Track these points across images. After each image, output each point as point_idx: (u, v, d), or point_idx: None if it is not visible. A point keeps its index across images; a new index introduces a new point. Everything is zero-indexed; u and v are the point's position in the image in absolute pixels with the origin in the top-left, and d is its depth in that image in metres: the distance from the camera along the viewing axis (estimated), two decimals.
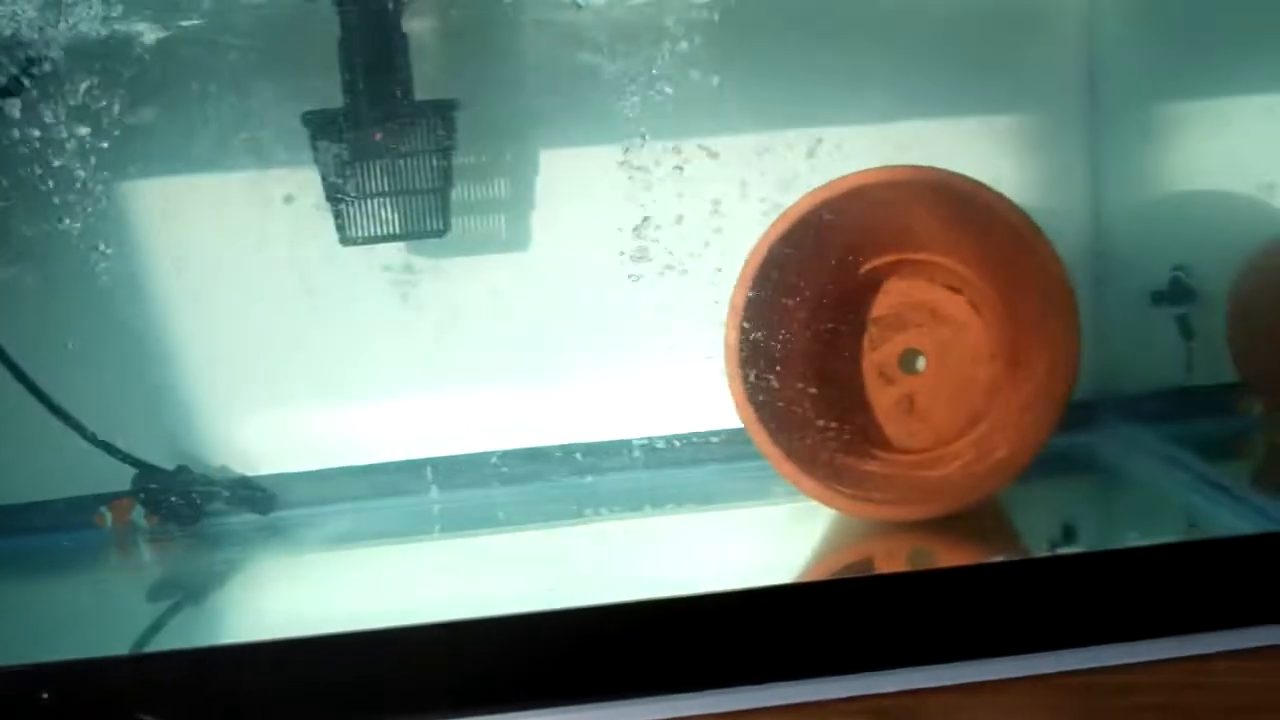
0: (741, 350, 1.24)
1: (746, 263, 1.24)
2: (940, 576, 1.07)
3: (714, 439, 1.38)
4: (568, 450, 1.38)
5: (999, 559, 1.11)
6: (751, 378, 1.24)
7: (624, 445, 1.38)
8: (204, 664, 1.01)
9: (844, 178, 1.23)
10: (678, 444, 1.39)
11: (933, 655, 1.04)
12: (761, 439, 1.24)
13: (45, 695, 0.96)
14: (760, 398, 1.24)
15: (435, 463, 1.38)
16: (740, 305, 1.24)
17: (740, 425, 1.25)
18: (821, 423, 1.29)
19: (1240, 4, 1.17)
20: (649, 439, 1.38)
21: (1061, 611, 1.05)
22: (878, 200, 1.23)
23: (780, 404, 1.26)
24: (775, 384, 1.25)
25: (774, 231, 1.24)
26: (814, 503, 1.23)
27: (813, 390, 1.30)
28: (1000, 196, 1.20)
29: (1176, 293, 1.28)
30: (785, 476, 1.23)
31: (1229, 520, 1.18)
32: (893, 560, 1.22)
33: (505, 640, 1.02)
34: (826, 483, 1.23)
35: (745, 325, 1.24)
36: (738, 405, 1.24)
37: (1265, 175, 1.15)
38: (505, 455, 1.38)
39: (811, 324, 1.30)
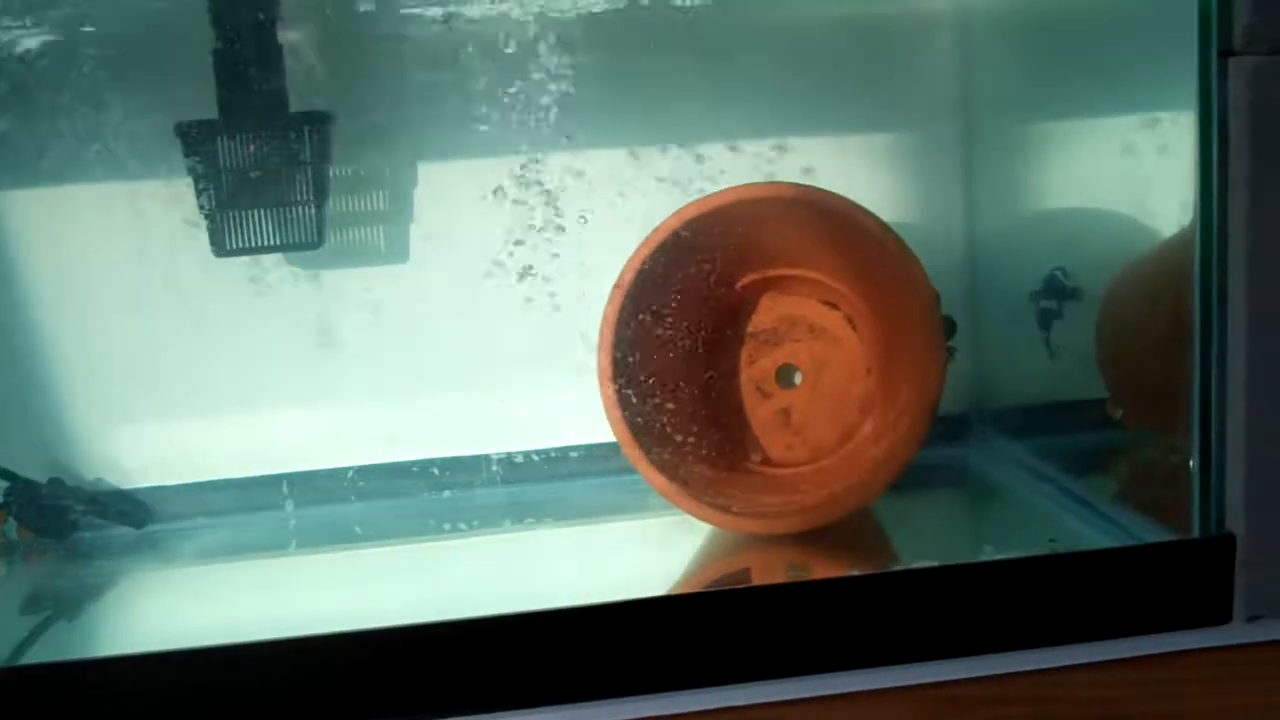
0: (614, 366, 1.23)
1: (617, 281, 1.24)
2: (813, 589, 1.07)
3: (588, 453, 1.38)
4: (427, 465, 1.38)
5: (871, 571, 1.11)
6: (625, 393, 1.24)
7: (486, 460, 1.38)
8: (78, 676, 1.00)
9: (706, 197, 1.23)
10: (554, 457, 1.38)
11: (804, 666, 1.04)
12: (635, 455, 1.23)
13: None
14: (633, 413, 1.24)
15: (299, 477, 1.37)
16: (613, 321, 1.24)
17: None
18: (697, 438, 1.29)
19: (1102, 32, 1.18)
20: (516, 453, 1.39)
21: (932, 623, 1.05)
22: (745, 217, 1.24)
23: (654, 420, 1.26)
24: (649, 399, 1.25)
25: (641, 251, 1.24)
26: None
27: (688, 406, 1.29)
28: (867, 214, 1.20)
29: (1052, 291, 1.28)
30: (660, 492, 1.23)
31: (1090, 534, 1.19)
32: (770, 573, 1.21)
33: (369, 654, 1.01)
34: (701, 498, 1.23)
35: (618, 342, 1.24)
36: (611, 421, 1.24)
37: (1131, 192, 1.17)
38: (363, 470, 1.38)
39: (687, 340, 1.30)
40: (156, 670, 1.01)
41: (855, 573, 1.08)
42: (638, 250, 1.23)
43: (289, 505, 1.36)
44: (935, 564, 1.07)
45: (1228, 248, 1.03)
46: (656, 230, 1.23)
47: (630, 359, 1.24)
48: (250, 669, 1.00)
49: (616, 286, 1.24)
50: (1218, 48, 1.02)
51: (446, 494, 1.38)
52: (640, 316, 1.24)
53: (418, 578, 1.26)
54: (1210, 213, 1.03)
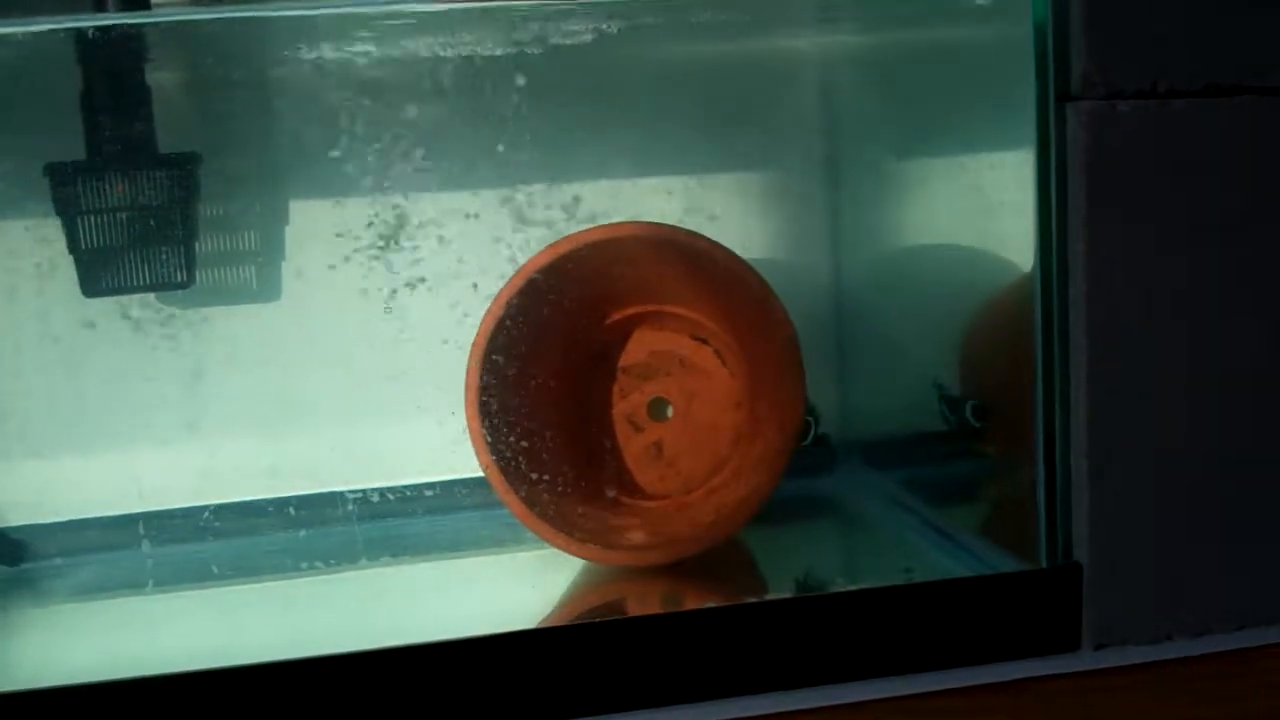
0: (481, 402, 1.22)
1: (483, 321, 1.22)
2: (676, 620, 1.06)
3: (454, 489, 1.36)
4: (284, 503, 1.36)
5: (741, 600, 1.10)
6: (491, 429, 1.22)
7: (343, 497, 1.36)
8: None
9: (564, 239, 1.23)
10: (416, 493, 1.36)
11: (670, 696, 1.04)
12: (502, 489, 1.22)
13: None
14: (501, 448, 1.22)
15: (161, 515, 1.34)
16: (479, 358, 1.22)
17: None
18: (568, 473, 1.27)
19: (949, 74, 1.19)
20: (377, 489, 1.36)
21: (791, 652, 1.05)
22: (608, 257, 1.23)
23: (522, 455, 1.24)
24: (517, 435, 1.24)
25: (502, 296, 1.22)
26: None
27: (559, 441, 1.28)
28: (727, 252, 1.20)
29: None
30: (528, 526, 1.22)
31: (948, 564, 1.19)
32: (643, 603, 1.20)
33: (229, 690, 0.99)
34: (571, 532, 1.22)
35: (484, 378, 1.22)
36: (479, 456, 1.22)
37: (983, 231, 1.17)
38: (268, 504, 1.35)
39: (555, 378, 1.28)
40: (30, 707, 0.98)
41: (719, 603, 1.07)
42: (498, 296, 1.22)
43: (146, 544, 1.33)
44: (793, 595, 1.07)
45: (1068, 286, 1.04)
46: (517, 274, 1.22)
47: (495, 399, 1.22)
48: (115, 706, 0.98)
49: (479, 334, 1.22)
50: (1055, 92, 1.03)
51: (303, 532, 1.35)
52: (503, 359, 1.23)
53: (280, 615, 1.24)
54: (1050, 252, 1.04)
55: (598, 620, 1.11)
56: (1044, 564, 1.08)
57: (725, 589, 1.22)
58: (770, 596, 1.13)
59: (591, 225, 1.24)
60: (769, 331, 1.21)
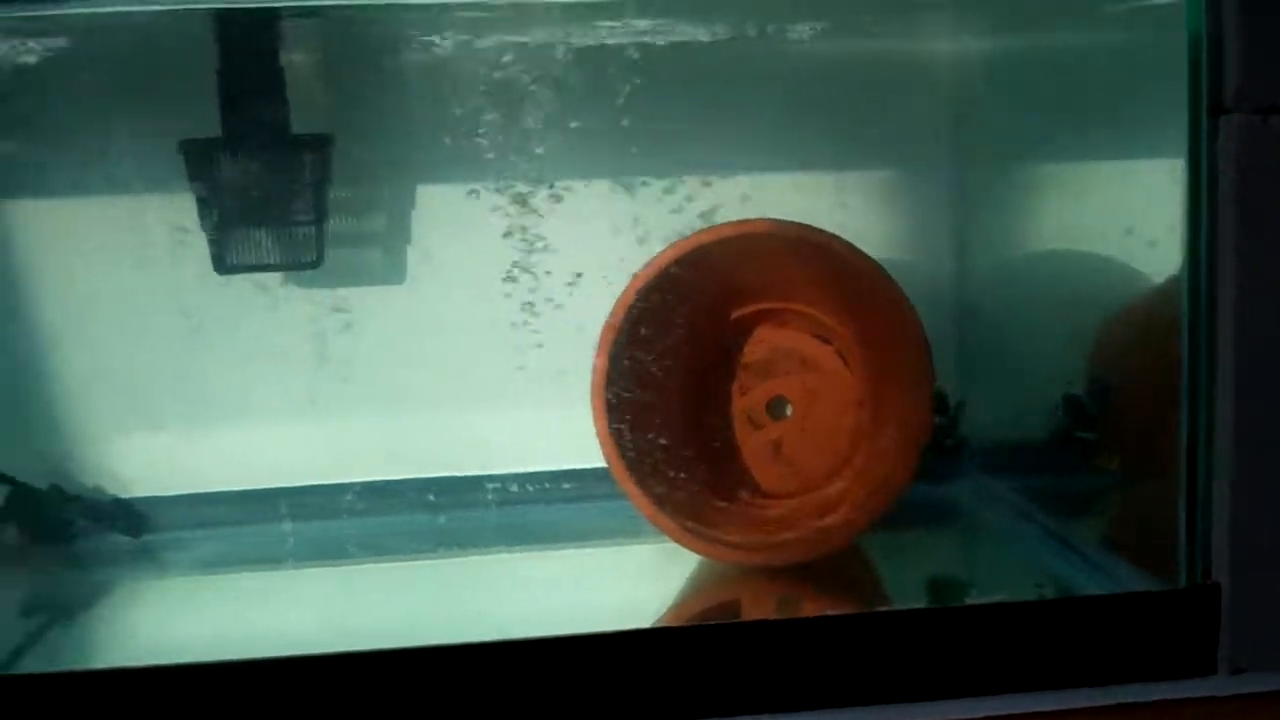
0: (607, 393, 1.18)
1: (612, 312, 1.18)
2: (800, 626, 1.01)
3: (582, 479, 1.31)
4: (422, 485, 1.32)
5: (859, 610, 1.05)
6: (616, 420, 1.18)
7: (483, 482, 1.32)
8: (83, 686, 0.95)
9: (697, 233, 1.18)
10: (546, 484, 1.32)
11: (788, 703, 0.98)
12: (625, 480, 1.17)
13: None
14: (626, 445, 1.18)
15: (292, 492, 1.30)
16: (606, 348, 1.18)
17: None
18: (688, 468, 1.23)
19: (1094, 79, 1.13)
20: (513, 475, 1.32)
21: (916, 665, 0.99)
22: (739, 253, 1.18)
23: (645, 447, 1.20)
24: (640, 427, 1.19)
25: (634, 286, 1.18)
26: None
27: (679, 436, 1.24)
28: (859, 252, 1.15)
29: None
30: (650, 521, 1.17)
31: (1072, 577, 1.13)
32: (759, 606, 1.16)
33: (353, 676, 0.95)
34: (688, 526, 1.17)
35: (611, 368, 1.18)
36: (602, 446, 1.18)
37: (1119, 238, 1.11)
38: (388, 486, 1.31)
39: (678, 372, 1.23)
40: (147, 684, 0.95)
41: (843, 611, 1.02)
42: (629, 285, 1.18)
43: (283, 520, 1.30)
44: (922, 606, 1.02)
45: (1216, 302, 0.98)
46: (648, 266, 1.18)
47: (622, 392, 1.18)
48: (236, 687, 0.95)
49: (608, 325, 1.18)
50: (1208, 105, 0.97)
51: (442, 518, 1.31)
52: (633, 346, 1.18)
53: (408, 598, 1.20)
54: (1199, 266, 0.98)
55: (714, 623, 1.07)
56: (1181, 583, 1.01)
57: (844, 595, 1.18)
58: (893, 606, 1.08)
59: (722, 221, 1.20)
60: (898, 335, 1.15)
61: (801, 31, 1.27)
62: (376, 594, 1.22)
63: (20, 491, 1.26)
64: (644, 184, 1.29)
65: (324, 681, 0.95)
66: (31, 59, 1.16)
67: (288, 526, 1.30)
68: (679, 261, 1.17)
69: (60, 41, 1.16)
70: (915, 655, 0.99)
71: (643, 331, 1.18)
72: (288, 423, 1.31)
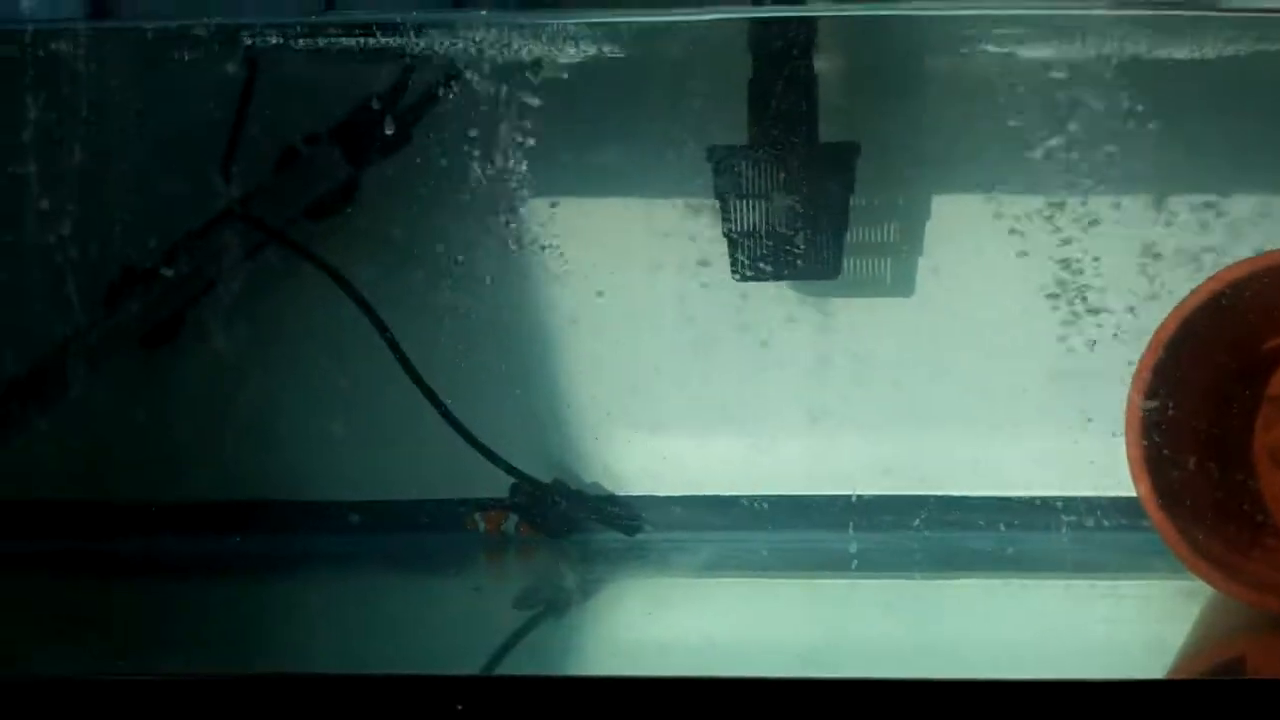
0: (1143, 425, 1.11)
1: (1150, 342, 1.12)
2: None
3: (1087, 508, 1.26)
4: (914, 503, 1.28)
5: None
6: (1149, 451, 1.12)
7: (975, 503, 1.28)
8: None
9: (1246, 260, 1.12)
10: (1058, 506, 1.27)
11: None
12: (1157, 514, 1.11)
13: (460, 708, 0.89)
14: (1159, 471, 1.12)
15: (791, 501, 1.29)
16: (1145, 378, 1.12)
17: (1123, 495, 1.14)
18: (1211, 501, 1.16)
19: None
20: (1021, 498, 1.27)
21: None
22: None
23: (1174, 479, 1.13)
24: (1169, 458, 1.13)
25: (1178, 313, 1.11)
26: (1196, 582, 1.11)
27: (1203, 467, 1.16)
28: None
29: None
30: (1176, 554, 1.11)
31: None
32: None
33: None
34: (1214, 563, 1.11)
35: (1147, 400, 1.11)
36: (1135, 476, 1.12)
37: None
38: (882, 501, 1.28)
39: (1206, 401, 1.16)
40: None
41: None
42: (1176, 310, 1.11)
43: (773, 528, 1.28)
44: None
45: None
46: (1196, 292, 1.11)
47: (1160, 418, 1.12)
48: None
49: (1149, 348, 1.11)
50: None
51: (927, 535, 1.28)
52: (1167, 381, 1.12)
53: (898, 618, 1.17)
54: None
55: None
56: None
57: None
58: None
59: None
60: None
61: None
62: (867, 610, 1.20)
63: (524, 484, 1.28)
64: (1178, 207, 1.23)
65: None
66: (570, 62, 1.18)
67: (778, 534, 1.28)
68: (1225, 288, 1.10)
69: (593, 49, 1.17)
70: None
71: (1184, 355, 1.12)
72: (786, 432, 1.29)
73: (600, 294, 1.28)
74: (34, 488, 1.28)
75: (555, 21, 1.11)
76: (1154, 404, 1.12)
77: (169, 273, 1.24)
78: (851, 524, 1.28)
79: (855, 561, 1.24)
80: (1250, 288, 1.11)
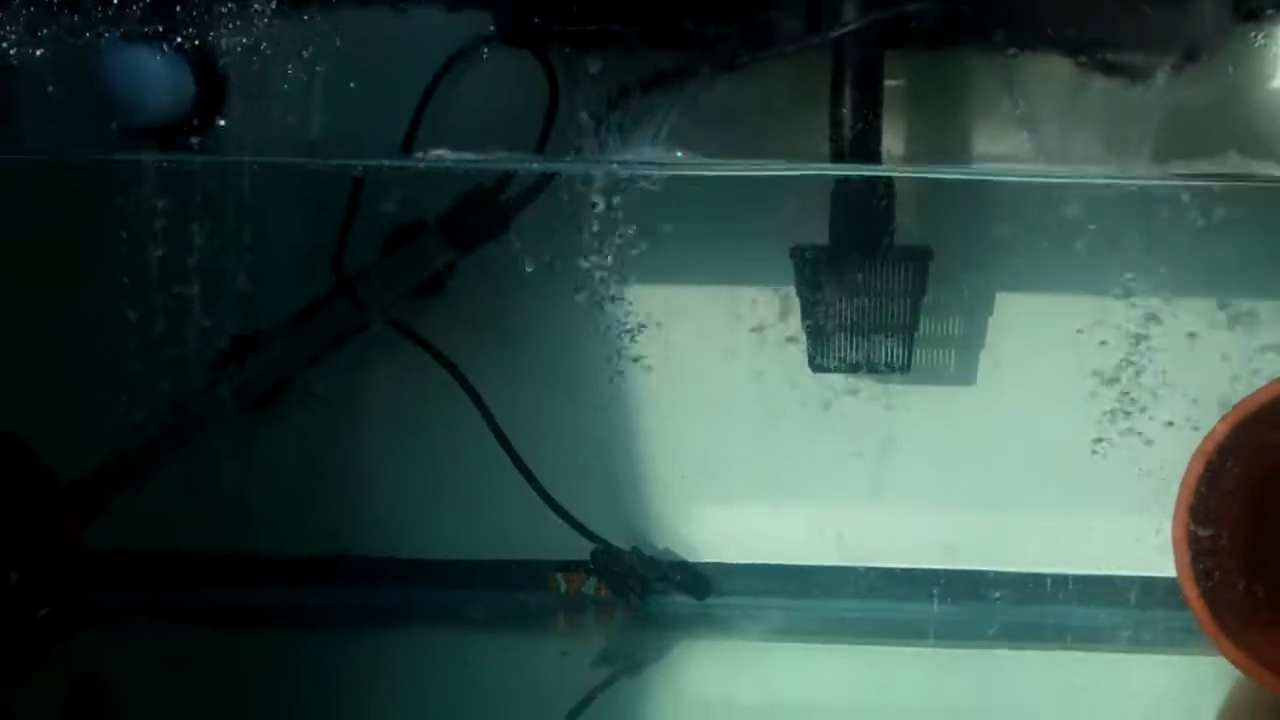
0: (1191, 513, 1.18)
1: (1200, 446, 1.18)
2: None
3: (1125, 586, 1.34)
4: (973, 577, 1.36)
5: None
6: (1194, 540, 1.18)
7: (1047, 579, 1.35)
8: None
9: None
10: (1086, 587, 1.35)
11: None
12: (1193, 594, 1.18)
13: None
14: (1201, 563, 1.19)
15: (864, 572, 1.36)
16: (1192, 477, 1.18)
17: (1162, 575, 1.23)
18: (1247, 588, 1.23)
19: None
20: (1076, 575, 1.35)
21: None
22: None
23: (1214, 567, 1.20)
24: (1211, 546, 1.19)
25: (1239, 411, 1.18)
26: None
27: (1241, 551, 1.23)
28: None
29: None
30: (1208, 633, 1.18)
31: None
32: None
33: None
34: (1240, 644, 1.18)
35: (1197, 491, 1.18)
36: (1179, 563, 1.19)
37: None
38: (940, 575, 1.36)
39: (1251, 490, 1.23)
40: None
41: None
42: (1233, 411, 1.18)
43: (836, 595, 1.36)
44: None
45: None
46: (1251, 398, 1.18)
47: (1201, 514, 1.19)
48: None
49: (1202, 449, 1.18)
50: None
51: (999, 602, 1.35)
52: (1219, 475, 1.19)
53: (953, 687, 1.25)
54: None
55: None
56: None
57: None
58: None
59: None
60: None
61: None
62: (925, 676, 1.27)
63: (606, 551, 1.36)
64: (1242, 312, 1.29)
65: None
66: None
67: (841, 603, 1.35)
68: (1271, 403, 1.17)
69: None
70: None
71: (1236, 454, 1.18)
72: (850, 506, 1.36)
73: (680, 374, 1.34)
74: (150, 538, 1.36)
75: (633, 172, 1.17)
76: (1199, 496, 1.19)
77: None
78: (906, 595, 1.36)
79: (924, 630, 1.32)
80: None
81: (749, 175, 1.23)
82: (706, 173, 1.19)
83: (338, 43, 1.14)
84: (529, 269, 1.25)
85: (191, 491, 1.34)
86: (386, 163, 1.24)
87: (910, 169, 1.26)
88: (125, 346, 1.22)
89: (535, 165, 1.25)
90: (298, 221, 1.28)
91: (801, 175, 1.24)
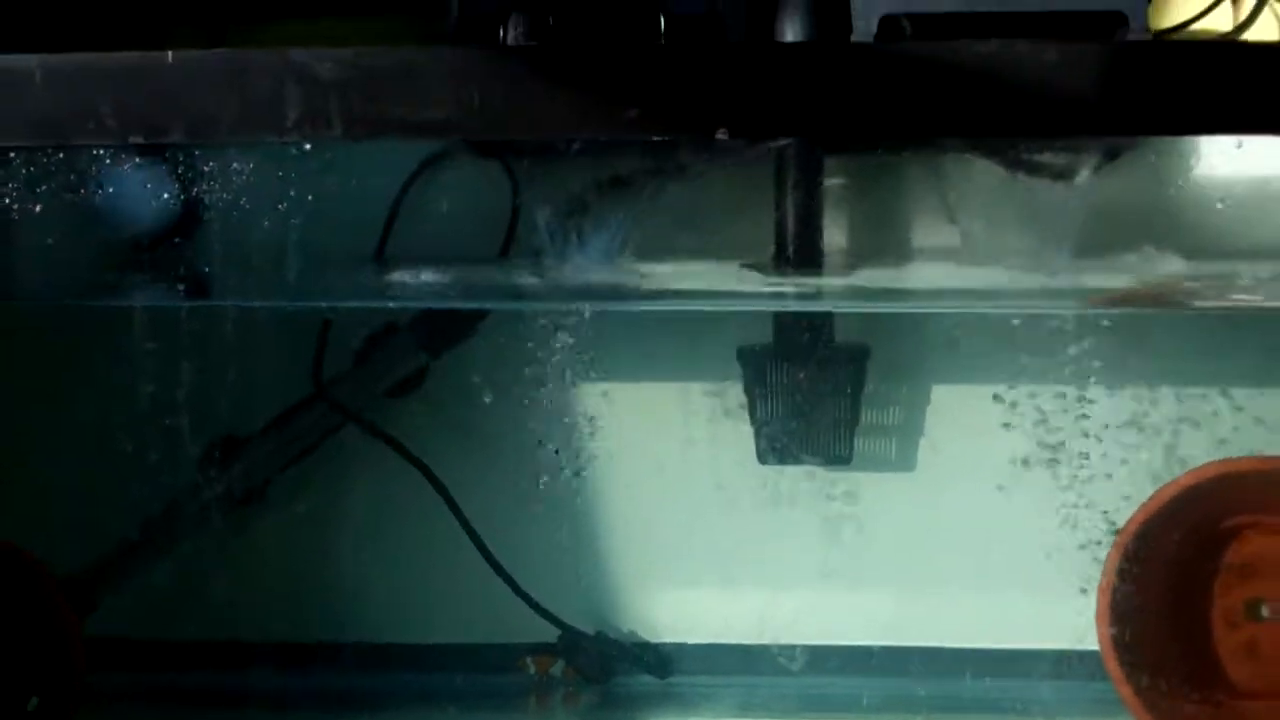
0: (1112, 589, 1.26)
1: (1124, 525, 1.26)
2: None
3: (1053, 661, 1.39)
4: (920, 654, 1.42)
5: None
6: (1116, 617, 1.26)
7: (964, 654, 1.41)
8: None
9: (1220, 463, 1.26)
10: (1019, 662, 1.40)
11: None
12: (1116, 672, 1.26)
13: None
14: (1120, 631, 1.26)
15: (807, 650, 1.43)
16: (1115, 556, 1.26)
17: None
18: (1168, 662, 1.29)
19: None
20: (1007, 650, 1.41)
21: None
22: (1243, 483, 1.26)
23: (1134, 642, 1.27)
24: (1132, 621, 1.26)
25: (1146, 508, 1.26)
26: None
27: (1163, 630, 1.30)
28: None
29: None
30: (1129, 707, 1.25)
31: None
32: None
33: None
34: (1164, 715, 1.25)
35: (1120, 568, 1.26)
36: (1104, 650, 1.26)
37: None
38: (880, 651, 1.42)
39: (1171, 570, 1.31)
40: None
41: None
42: (1149, 501, 1.26)
43: (792, 673, 1.42)
44: None
45: None
46: (1169, 486, 1.26)
47: (1123, 593, 1.26)
48: None
49: (1122, 530, 1.26)
50: None
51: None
52: (1135, 560, 1.26)
53: None
54: None
55: None
56: None
57: None
58: None
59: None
60: None
61: None
62: None
63: (570, 635, 1.43)
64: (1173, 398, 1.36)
65: None
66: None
67: (796, 680, 1.42)
68: (1196, 487, 1.25)
69: None
70: None
71: (1147, 544, 1.26)
72: (802, 588, 1.43)
73: (642, 464, 1.42)
74: (137, 627, 1.43)
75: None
76: (1122, 571, 1.26)
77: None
78: (856, 670, 1.42)
79: (856, 704, 1.38)
80: (1220, 485, 1.26)
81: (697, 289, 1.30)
82: (658, 307, 1.27)
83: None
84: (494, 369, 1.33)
85: (181, 583, 1.41)
86: (355, 304, 1.32)
87: (847, 303, 1.32)
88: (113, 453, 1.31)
89: (492, 306, 1.35)
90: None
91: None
